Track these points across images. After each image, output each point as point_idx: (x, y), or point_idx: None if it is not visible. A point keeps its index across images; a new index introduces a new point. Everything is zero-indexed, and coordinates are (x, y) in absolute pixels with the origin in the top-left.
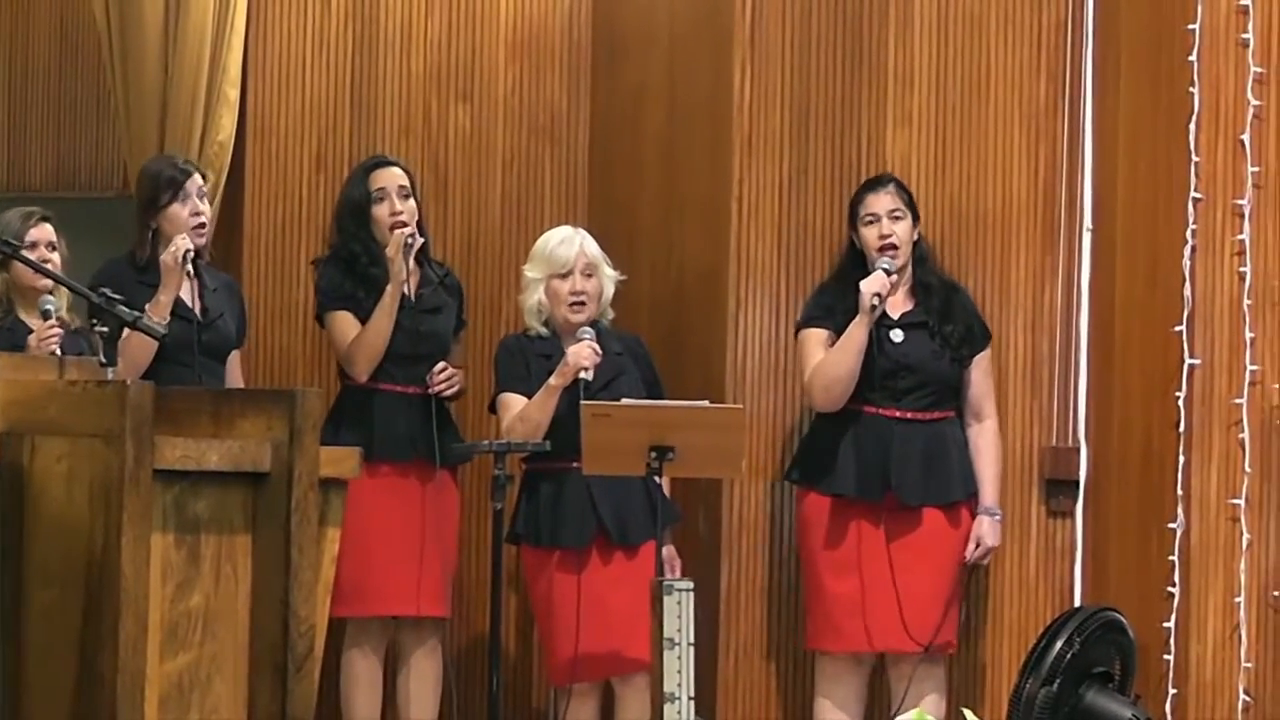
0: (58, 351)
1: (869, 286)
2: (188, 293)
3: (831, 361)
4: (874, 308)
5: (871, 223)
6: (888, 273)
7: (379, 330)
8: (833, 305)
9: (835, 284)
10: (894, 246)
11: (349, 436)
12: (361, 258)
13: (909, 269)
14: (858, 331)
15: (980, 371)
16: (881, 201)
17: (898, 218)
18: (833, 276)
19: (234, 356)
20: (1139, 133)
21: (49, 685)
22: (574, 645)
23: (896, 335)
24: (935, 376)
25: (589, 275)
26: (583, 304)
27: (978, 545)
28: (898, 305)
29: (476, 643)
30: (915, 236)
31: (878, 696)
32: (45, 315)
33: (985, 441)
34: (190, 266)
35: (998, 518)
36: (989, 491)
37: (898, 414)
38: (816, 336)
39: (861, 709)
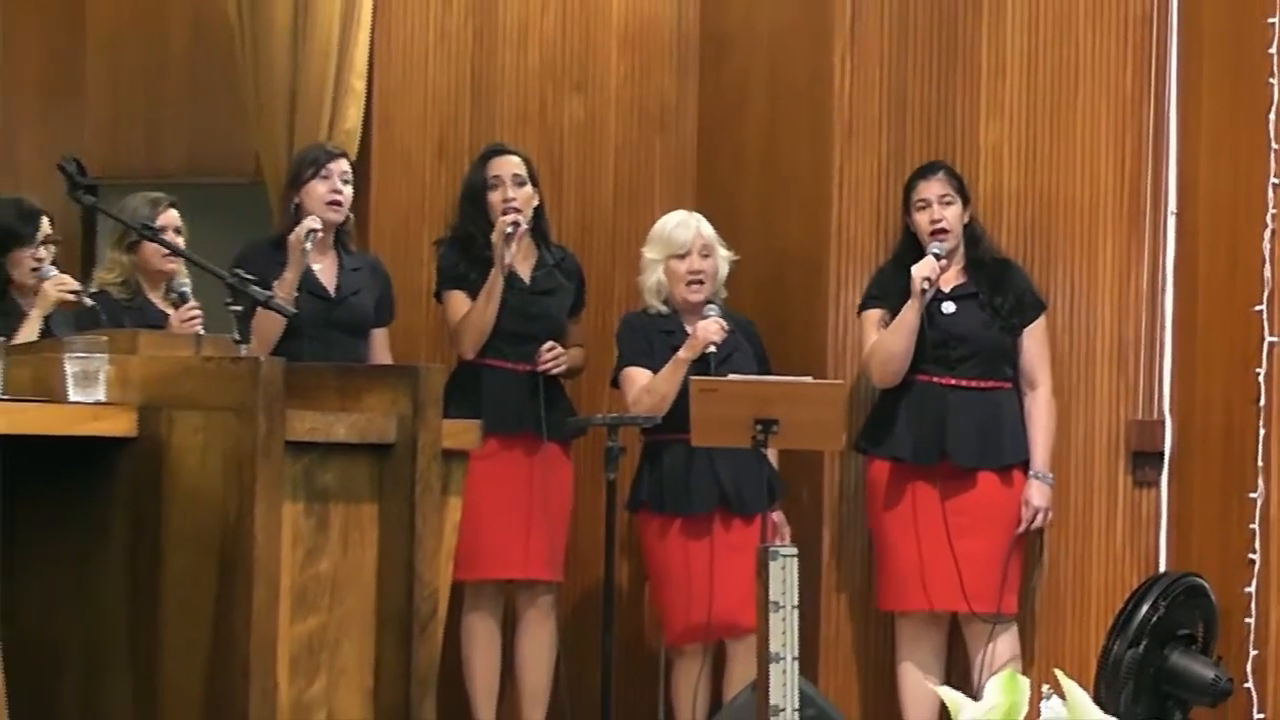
0: (202, 331)
1: (919, 271)
2: (327, 271)
3: (886, 341)
4: (924, 291)
5: (923, 208)
6: (938, 257)
7: (482, 312)
8: (889, 287)
9: (892, 267)
10: (944, 231)
11: (458, 410)
12: (478, 240)
13: (961, 249)
14: (909, 314)
15: (1033, 340)
16: (932, 188)
17: (948, 203)
18: (890, 260)
19: (379, 334)
20: (1221, 122)
21: (185, 646)
22: (692, 608)
23: (948, 307)
24: (986, 346)
25: (706, 255)
26: (700, 283)
27: (1028, 508)
28: (950, 279)
29: (590, 605)
30: (967, 219)
31: (956, 653)
32: (182, 298)
33: (1037, 408)
34: (310, 245)
35: (1048, 481)
36: (1040, 457)
37: (952, 382)
38: (872, 317)
39: (942, 665)
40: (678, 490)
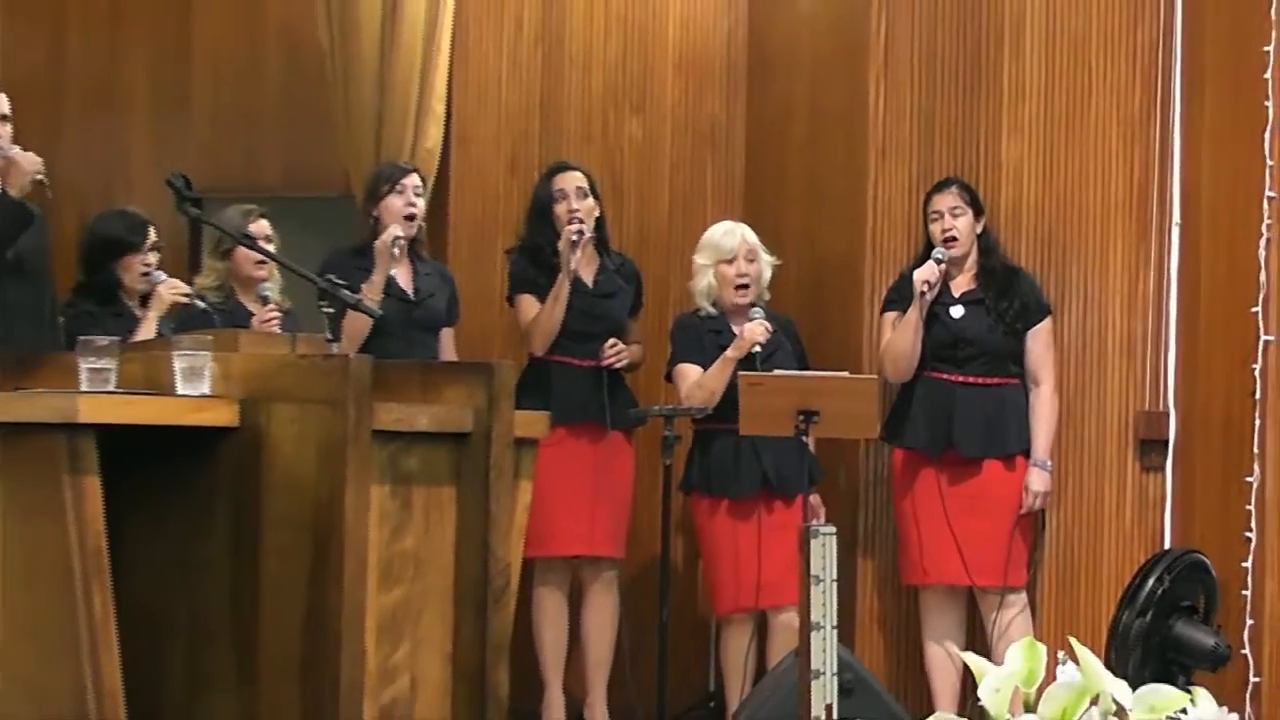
0: (279, 330)
1: (919, 275)
2: (404, 276)
3: (893, 341)
4: (923, 294)
5: (936, 219)
6: (939, 262)
7: (550, 313)
8: (905, 291)
9: (911, 272)
10: (954, 239)
11: (530, 402)
12: (545, 249)
13: (974, 256)
14: (912, 314)
15: (1036, 342)
16: (945, 200)
17: (958, 214)
18: (910, 266)
19: (447, 333)
20: (1221, 140)
21: (283, 616)
22: (741, 581)
23: (956, 311)
24: (991, 347)
25: (751, 260)
26: (746, 285)
27: (1028, 493)
28: (962, 285)
29: (648, 579)
30: (979, 229)
31: (977, 623)
32: (264, 300)
33: (1040, 403)
34: (399, 251)
35: (1047, 468)
36: (1040, 446)
37: (960, 379)
38: (889, 319)
39: (963, 634)
40: (725, 474)
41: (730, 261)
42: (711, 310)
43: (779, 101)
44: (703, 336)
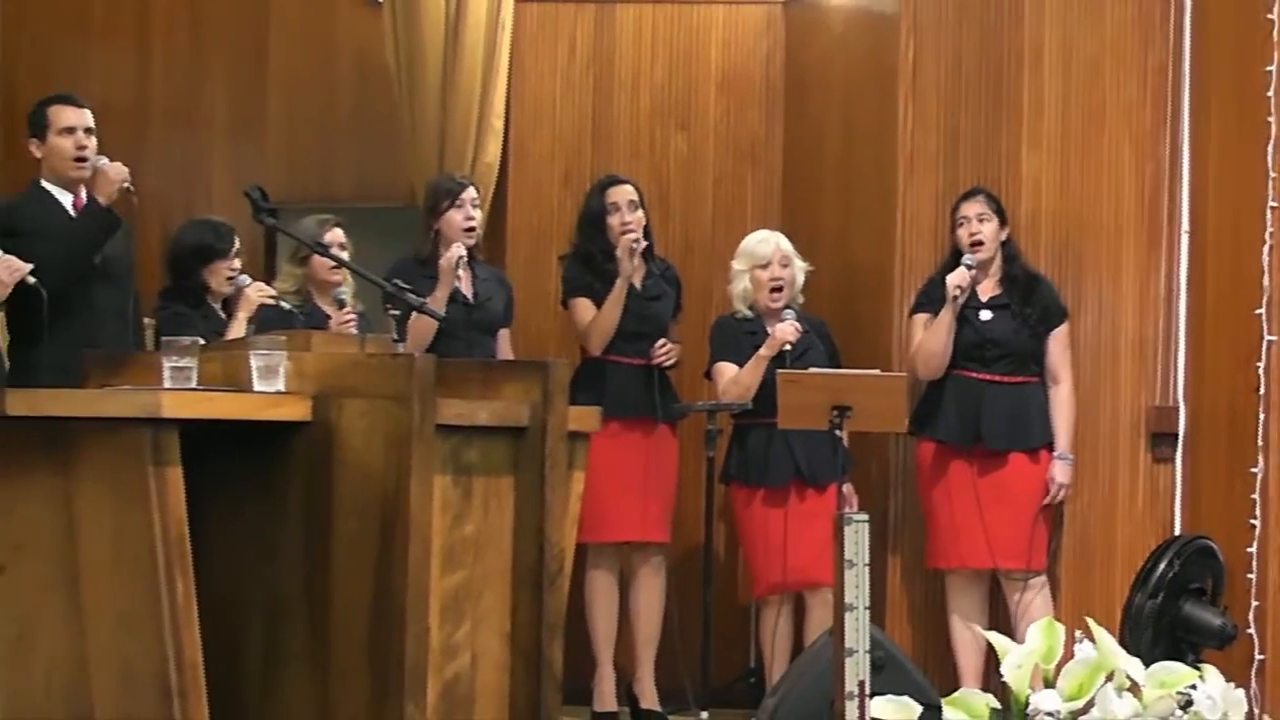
0: (356, 331)
1: (952, 280)
2: (465, 281)
3: (926, 341)
4: (955, 298)
5: (963, 224)
6: (969, 268)
7: (609, 315)
8: (934, 295)
9: (939, 276)
10: (980, 243)
11: (585, 398)
12: (597, 256)
13: (999, 263)
14: (945, 316)
15: (1056, 344)
16: (972, 207)
17: (984, 220)
18: (938, 271)
19: (504, 333)
20: (1226, 154)
21: (352, 598)
22: (774, 565)
23: (985, 315)
24: (1016, 348)
25: (785, 266)
26: (780, 289)
27: (1054, 484)
28: (988, 291)
29: (693, 563)
30: (1004, 237)
31: (999, 604)
32: (341, 304)
33: (1060, 400)
34: (463, 272)
35: (1069, 461)
36: (1062, 440)
37: (987, 377)
38: (919, 320)
39: (986, 614)
40: (759, 465)
41: (765, 266)
42: (748, 312)
43: (814, 119)
44: (739, 337)
